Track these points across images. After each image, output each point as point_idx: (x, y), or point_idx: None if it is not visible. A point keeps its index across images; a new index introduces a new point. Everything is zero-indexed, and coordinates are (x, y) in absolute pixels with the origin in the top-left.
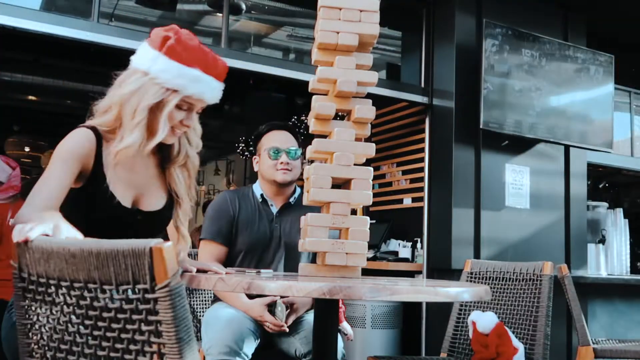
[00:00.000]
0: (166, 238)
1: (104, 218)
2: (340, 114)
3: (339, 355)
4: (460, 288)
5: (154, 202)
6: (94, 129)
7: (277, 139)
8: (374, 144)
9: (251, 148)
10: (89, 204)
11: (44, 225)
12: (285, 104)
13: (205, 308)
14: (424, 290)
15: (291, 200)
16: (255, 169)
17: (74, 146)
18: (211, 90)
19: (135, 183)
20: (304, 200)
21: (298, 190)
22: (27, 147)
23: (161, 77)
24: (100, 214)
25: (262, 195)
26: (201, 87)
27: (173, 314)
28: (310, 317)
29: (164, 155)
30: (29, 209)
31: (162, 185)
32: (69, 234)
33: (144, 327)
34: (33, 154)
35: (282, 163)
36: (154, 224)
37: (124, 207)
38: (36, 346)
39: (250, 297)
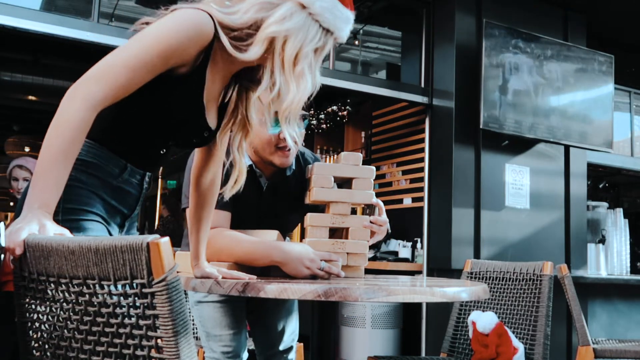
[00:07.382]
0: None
1: (178, 121)
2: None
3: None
4: (458, 288)
5: (211, 120)
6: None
7: None
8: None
9: None
10: (175, 97)
11: (29, 226)
12: None
13: None
14: (420, 291)
15: (287, 171)
16: None
17: (190, 34)
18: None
19: (210, 95)
20: (306, 199)
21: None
22: (27, 147)
23: (323, 15)
24: (178, 115)
25: (250, 166)
26: (347, 31)
27: (170, 307)
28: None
29: (239, 75)
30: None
31: (216, 105)
32: (56, 231)
33: (141, 322)
34: (33, 154)
35: (283, 139)
36: (206, 142)
37: (203, 118)
38: (36, 344)
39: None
